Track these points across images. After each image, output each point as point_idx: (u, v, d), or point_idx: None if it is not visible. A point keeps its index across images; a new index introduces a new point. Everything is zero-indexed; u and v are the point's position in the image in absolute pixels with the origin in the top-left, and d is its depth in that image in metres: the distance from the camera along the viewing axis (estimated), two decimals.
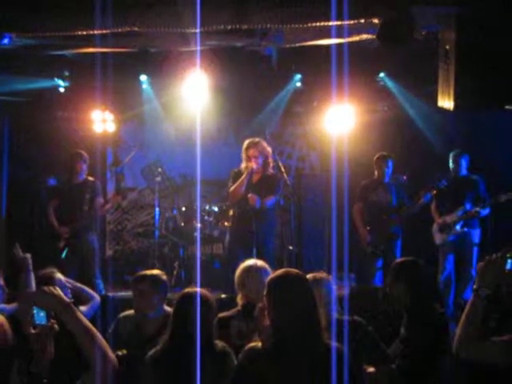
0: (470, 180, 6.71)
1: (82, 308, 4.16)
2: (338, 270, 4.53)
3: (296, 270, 2.87)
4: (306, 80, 7.56)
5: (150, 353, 3.38)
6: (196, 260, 7.07)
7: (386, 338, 3.90)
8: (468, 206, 6.56)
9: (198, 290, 3.43)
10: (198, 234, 7.13)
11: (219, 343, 3.36)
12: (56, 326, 2.37)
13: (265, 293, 2.80)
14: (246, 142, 6.15)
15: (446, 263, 6.67)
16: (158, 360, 3.33)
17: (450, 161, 6.78)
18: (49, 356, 2.34)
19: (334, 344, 2.71)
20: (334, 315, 3.46)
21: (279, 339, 2.68)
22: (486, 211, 6.53)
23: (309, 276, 3.59)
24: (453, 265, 6.70)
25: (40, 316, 2.33)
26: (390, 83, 7.39)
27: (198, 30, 5.48)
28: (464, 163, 6.73)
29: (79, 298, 4.24)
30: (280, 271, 2.84)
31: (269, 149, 6.18)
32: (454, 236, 6.62)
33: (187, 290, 3.53)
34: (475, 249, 6.60)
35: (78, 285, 4.45)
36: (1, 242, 7.48)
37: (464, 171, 6.75)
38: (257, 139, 6.16)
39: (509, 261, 2.46)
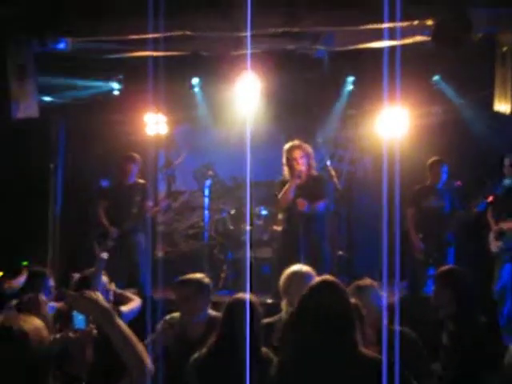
0: None
1: (123, 308, 4.17)
2: (390, 276, 4.42)
3: (332, 278, 2.80)
4: (358, 82, 7.46)
5: (195, 356, 3.38)
6: (245, 263, 7.03)
7: (435, 348, 3.81)
8: None
9: (248, 296, 3.41)
10: (247, 237, 7.10)
11: (263, 349, 3.33)
12: (95, 330, 2.37)
13: None
14: (289, 145, 6.09)
15: (502, 272, 6.44)
16: (203, 363, 3.34)
17: (505, 166, 6.55)
18: (87, 359, 2.34)
19: (371, 355, 2.63)
20: (384, 324, 3.37)
21: (303, 347, 2.63)
22: None
23: (353, 284, 3.53)
24: (510, 274, 6.46)
25: (79, 320, 2.34)
26: (444, 86, 7.22)
27: (248, 34, 5.47)
28: None
29: (120, 301, 4.25)
30: (317, 279, 2.79)
31: (311, 150, 6.12)
32: (509, 243, 6.38)
33: (237, 295, 3.51)
34: None
35: (118, 291, 4.44)
36: (55, 242, 7.67)
37: None
38: (297, 141, 6.10)
39: None
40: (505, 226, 6.40)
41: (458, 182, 6.84)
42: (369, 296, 3.52)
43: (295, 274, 3.94)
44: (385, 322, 3.38)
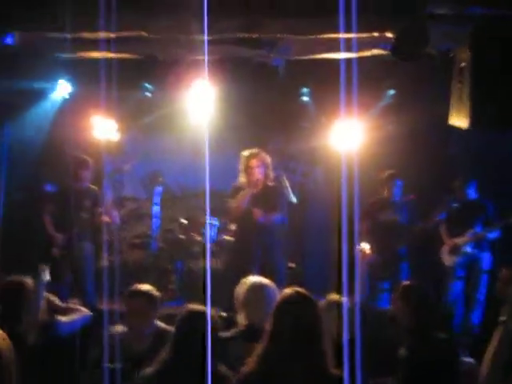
0: (480, 204, 6.59)
1: (61, 318, 3.91)
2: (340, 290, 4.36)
3: (305, 292, 2.65)
4: (314, 94, 7.40)
5: (145, 371, 3.16)
6: (202, 273, 6.81)
7: (391, 362, 3.74)
8: (478, 229, 6.44)
9: (208, 308, 3.19)
10: (207, 246, 6.91)
11: (221, 367, 3.12)
12: None
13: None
14: (247, 153, 5.99)
15: (454, 287, 6.51)
16: (156, 378, 3.11)
17: (458, 186, 6.62)
18: None
19: (337, 373, 2.50)
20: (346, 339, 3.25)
21: (274, 363, 2.48)
22: (494, 234, 6.38)
23: (326, 299, 3.42)
24: (461, 290, 6.53)
25: None
26: (398, 100, 7.24)
27: (205, 38, 5.33)
28: (472, 188, 6.60)
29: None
30: (289, 291, 2.63)
31: (269, 159, 6.02)
32: (464, 258, 6.45)
33: (193, 306, 3.28)
34: (485, 274, 6.44)
35: (62, 305, 4.17)
36: None
37: (473, 195, 6.62)
38: (255, 150, 5.99)
39: None
40: (460, 241, 6.47)
41: (412, 196, 6.87)
42: (336, 312, 3.40)
43: (255, 286, 3.73)
44: (346, 338, 3.27)
